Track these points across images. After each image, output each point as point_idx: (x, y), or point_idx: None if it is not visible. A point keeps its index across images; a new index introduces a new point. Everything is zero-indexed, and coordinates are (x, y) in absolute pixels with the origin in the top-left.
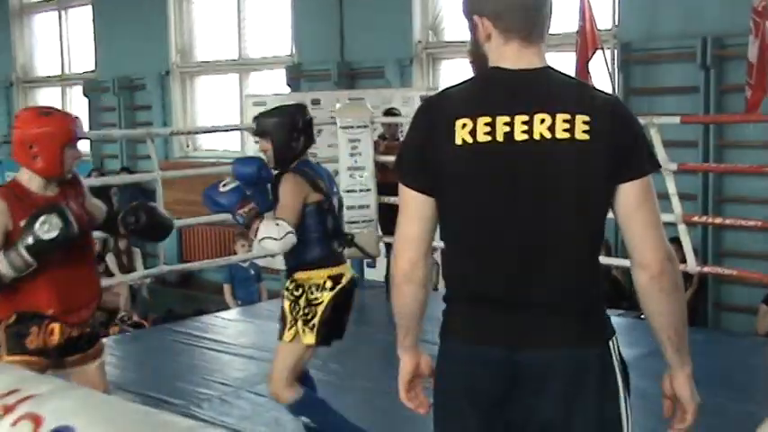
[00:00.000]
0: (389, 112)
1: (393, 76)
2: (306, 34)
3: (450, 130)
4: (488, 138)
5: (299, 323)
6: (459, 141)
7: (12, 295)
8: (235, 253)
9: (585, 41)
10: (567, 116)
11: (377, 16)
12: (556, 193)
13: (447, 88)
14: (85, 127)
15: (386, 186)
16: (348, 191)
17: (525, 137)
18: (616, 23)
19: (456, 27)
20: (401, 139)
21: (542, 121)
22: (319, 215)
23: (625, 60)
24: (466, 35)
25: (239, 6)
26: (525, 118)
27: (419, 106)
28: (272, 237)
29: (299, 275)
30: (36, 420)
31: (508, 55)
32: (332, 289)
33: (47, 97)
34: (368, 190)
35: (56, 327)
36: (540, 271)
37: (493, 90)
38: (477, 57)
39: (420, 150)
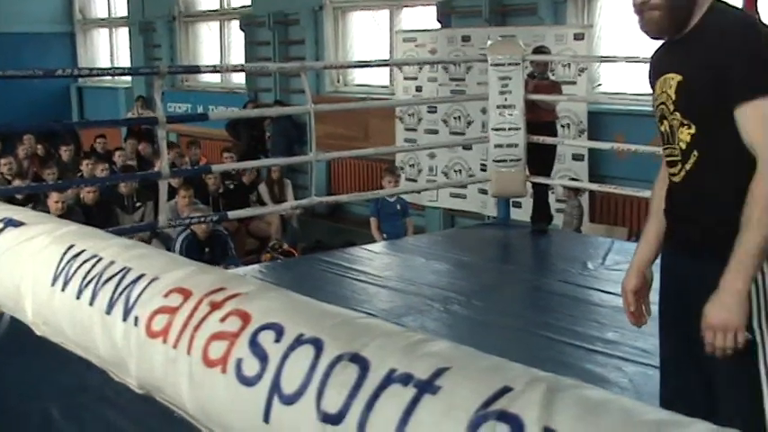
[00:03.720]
0: (539, 50)
1: (546, 13)
2: None
3: None
4: None
5: None
6: None
7: None
8: (382, 187)
9: None
10: None
11: None
12: None
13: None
14: (241, 60)
15: (534, 126)
16: (497, 129)
17: None
18: None
19: None
20: (551, 77)
21: None
22: None
23: None
24: None
25: None
26: None
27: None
28: None
29: None
30: (244, 317)
31: None
32: None
33: (206, 31)
34: (517, 128)
35: None
36: None
37: None
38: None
39: None
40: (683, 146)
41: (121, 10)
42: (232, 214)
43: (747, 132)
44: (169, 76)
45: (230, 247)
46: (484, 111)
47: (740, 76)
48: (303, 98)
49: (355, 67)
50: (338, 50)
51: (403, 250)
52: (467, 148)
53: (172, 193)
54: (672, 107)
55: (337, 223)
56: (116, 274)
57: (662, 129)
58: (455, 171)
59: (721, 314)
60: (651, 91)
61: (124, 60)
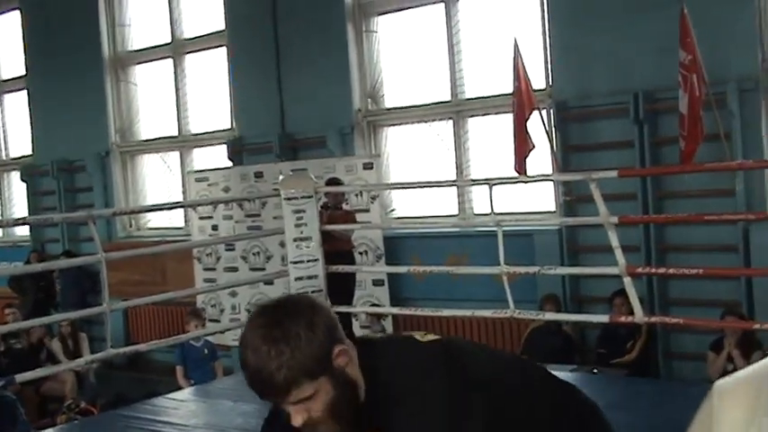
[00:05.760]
0: (332, 181)
1: (335, 144)
2: (245, 108)
3: None
4: None
5: None
6: None
7: None
8: (185, 332)
9: (522, 102)
10: None
11: (316, 86)
12: None
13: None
14: (24, 212)
15: (333, 255)
16: (295, 261)
17: None
18: (550, 83)
19: (395, 94)
20: (345, 207)
21: None
22: None
23: (561, 119)
24: (405, 102)
25: (177, 83)
26: None
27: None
28: None
29: None
30: None
31: None
32: None
33: None
34: (315, 260)
35: None
36: None
37: None
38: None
39: None
40: None
41: None
42: (20, 377)
43: None
44: None
45: (20, 412)
46: (282, 244)
47: None
48: (94, 245)
49: (147, 211)
50: (129, 195)
51: (210, 395)
52: (268, 283)
53: None
54: None
55: (139, 374)
56: None
57: None
58: None
59: None
60: None
61: None
